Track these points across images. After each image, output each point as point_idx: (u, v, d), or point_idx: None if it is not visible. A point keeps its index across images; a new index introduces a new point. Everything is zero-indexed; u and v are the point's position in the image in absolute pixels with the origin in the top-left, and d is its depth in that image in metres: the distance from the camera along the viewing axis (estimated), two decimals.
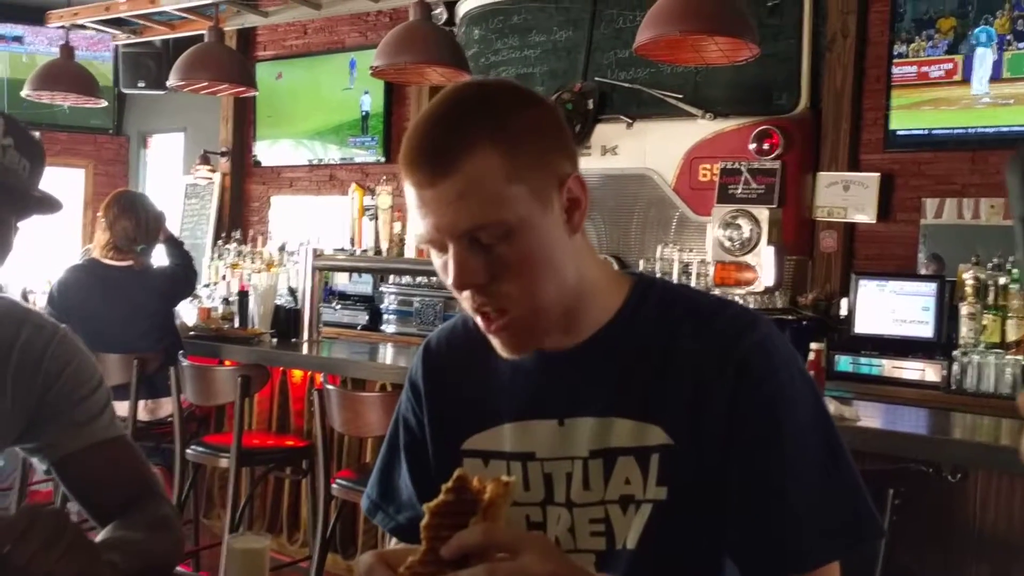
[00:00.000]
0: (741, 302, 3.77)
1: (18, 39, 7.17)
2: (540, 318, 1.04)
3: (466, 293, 1.02)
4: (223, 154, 6.75)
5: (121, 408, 3.57)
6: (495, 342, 1.07)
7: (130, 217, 3.84)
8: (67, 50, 5.13)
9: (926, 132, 4.12)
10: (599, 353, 1.08)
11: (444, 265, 1.02)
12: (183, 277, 4.04)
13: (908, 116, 4.16)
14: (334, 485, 3.06)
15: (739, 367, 1.02)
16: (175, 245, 4.13)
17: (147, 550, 1.27)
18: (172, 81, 4.65)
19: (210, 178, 6.72)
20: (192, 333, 4.12)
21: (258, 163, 6.69)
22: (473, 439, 1.15)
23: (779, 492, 1.01)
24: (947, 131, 4.07)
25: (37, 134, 1.32)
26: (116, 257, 3.83)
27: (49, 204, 1.29)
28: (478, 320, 1.06)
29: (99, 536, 1.28)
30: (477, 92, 1.05)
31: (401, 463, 1.22)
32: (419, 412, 1.21)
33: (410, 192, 1.01)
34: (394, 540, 1.24)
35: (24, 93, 5.14)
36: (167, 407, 3.77)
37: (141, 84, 6.69)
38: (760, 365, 1.03)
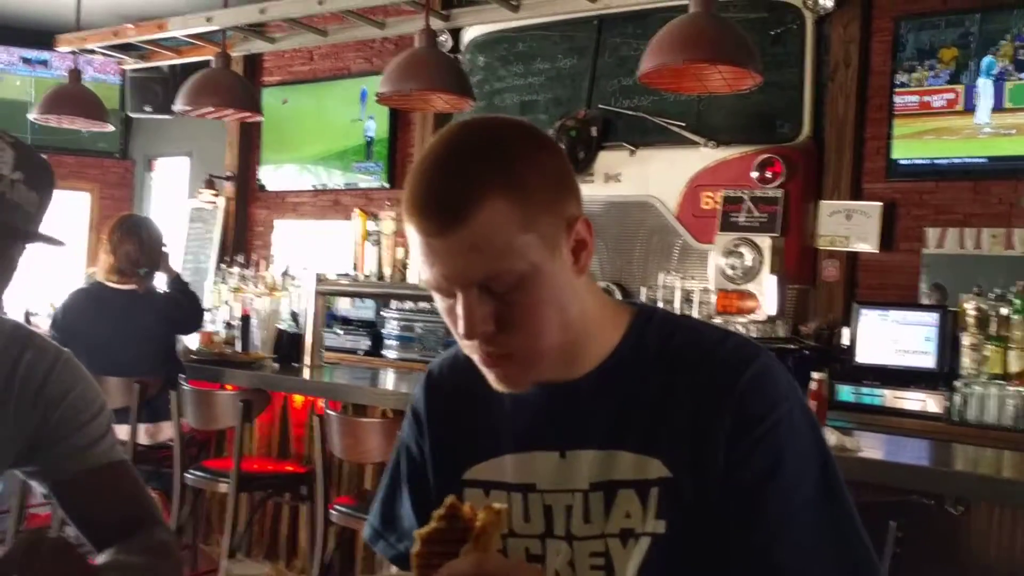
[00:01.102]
0: (743, 331, 3.80)
1: (43, 63, 7.19)
2: (542, 358, 1.04)
3: (473, 340, 1.02)
4: (228, 178, 6.77)
5: (121, 431, 3.58)
6: (490, 376, 1.06)
7: (133, 240, 3.85)
8: (75, 74, 5.16)
9: (928, 162, 4.14)
10: (600, 386, 1.08)
11: (450, 310, 1.02)
12: (187, 305, 4.03)
13: (910, 145, 4.17)
14: (333, 511, 3.05)
15: (739, 400, 1.02)
16: (180, 284, 4.11)
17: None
18: (179, 106, 4.67)
19: (214, 202, 6.74)
20: (194, 357, 4.12)
21: (262, 188, 6.71)
22: (474, 469, 1.14)
23: (774, 528, 1.00)
24: (949, 161, 4.08)
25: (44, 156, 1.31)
26: (120, 280, 3.84)
27: (51, 242, 1.27)
28: (474, 357, 1.05)
29: (98, 561, 1.28)
30: (484, 134, 1.02)
31: (403, 491, 1.22)
32: (421, 441, 1.20)
33: (416, 239, 0.99)
34: (395, 568, 1.23)
35: (32, 117, 5.17)
36: (167, 431, 3.77)
37: (148, 108, 6.71)
38: (760, 398, 1.02)
